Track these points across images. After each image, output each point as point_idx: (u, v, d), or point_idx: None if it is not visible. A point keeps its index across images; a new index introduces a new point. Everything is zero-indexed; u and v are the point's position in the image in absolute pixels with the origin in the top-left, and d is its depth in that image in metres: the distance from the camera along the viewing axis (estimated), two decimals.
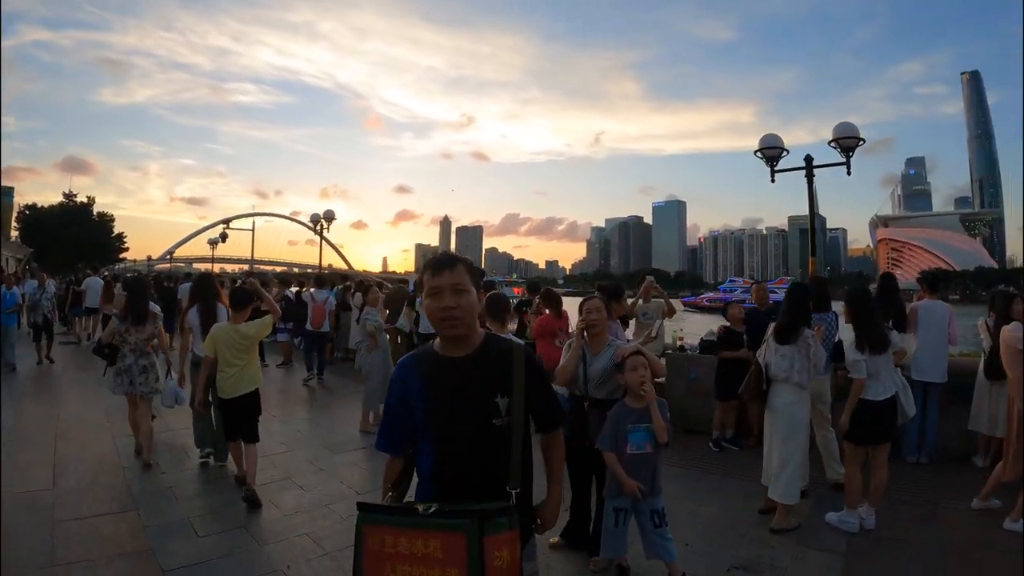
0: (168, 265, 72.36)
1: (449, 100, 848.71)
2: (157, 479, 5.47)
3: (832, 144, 8.80)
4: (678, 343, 8.04)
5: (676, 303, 9.10)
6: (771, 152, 9.17)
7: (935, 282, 6.49)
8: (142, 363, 5.90)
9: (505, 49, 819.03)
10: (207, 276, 7.66)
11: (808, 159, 8.82)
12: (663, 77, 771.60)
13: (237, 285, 9.48)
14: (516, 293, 20.64)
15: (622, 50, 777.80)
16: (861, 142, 8.77)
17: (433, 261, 2.02)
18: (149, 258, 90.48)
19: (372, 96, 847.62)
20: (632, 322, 7.84)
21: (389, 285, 14.84)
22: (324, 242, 20.56)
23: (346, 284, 13.17)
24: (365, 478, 5.62)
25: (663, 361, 6.40)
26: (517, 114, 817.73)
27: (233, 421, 5.14)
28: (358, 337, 8.05)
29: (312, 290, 11.58)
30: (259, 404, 5.25)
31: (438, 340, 2.07)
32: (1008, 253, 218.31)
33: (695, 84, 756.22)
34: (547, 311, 6.98)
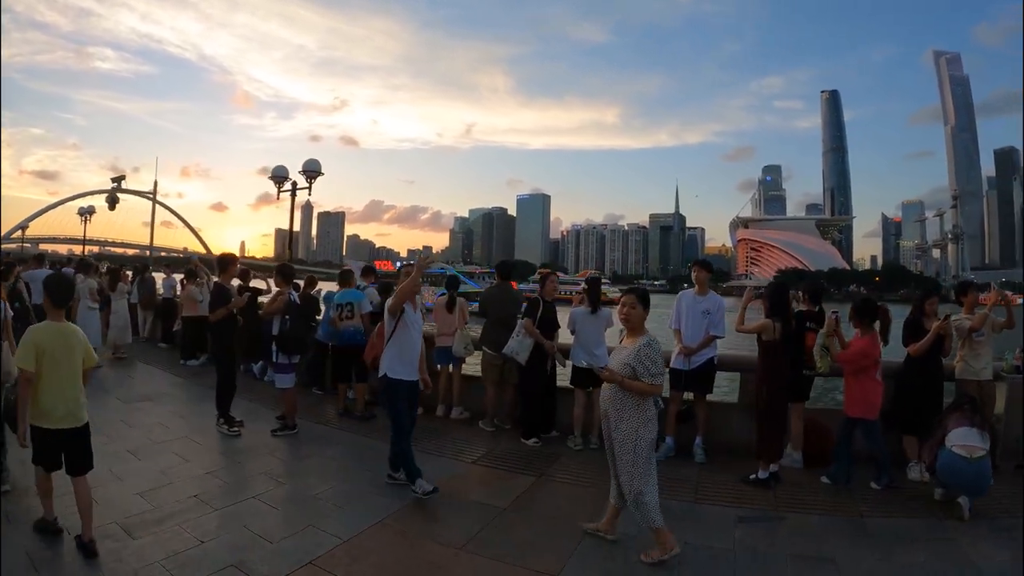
0: (18, 246, 65.72)
1: (317, 81, 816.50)
2: None
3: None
4: None
5: None
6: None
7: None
8: None
9: (379, 33, 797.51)
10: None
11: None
12: (534, 73, 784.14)
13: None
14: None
15: (496, 43, 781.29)
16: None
17: None
18: None
19: (238, 72, 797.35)
20: None
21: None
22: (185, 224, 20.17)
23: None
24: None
25: None
26: (385, 100, 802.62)
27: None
28: None
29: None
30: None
31: None
32: (855, 257, 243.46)
33: (565, 82, 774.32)
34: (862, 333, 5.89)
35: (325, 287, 10.56)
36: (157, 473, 5.32)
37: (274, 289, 7.45)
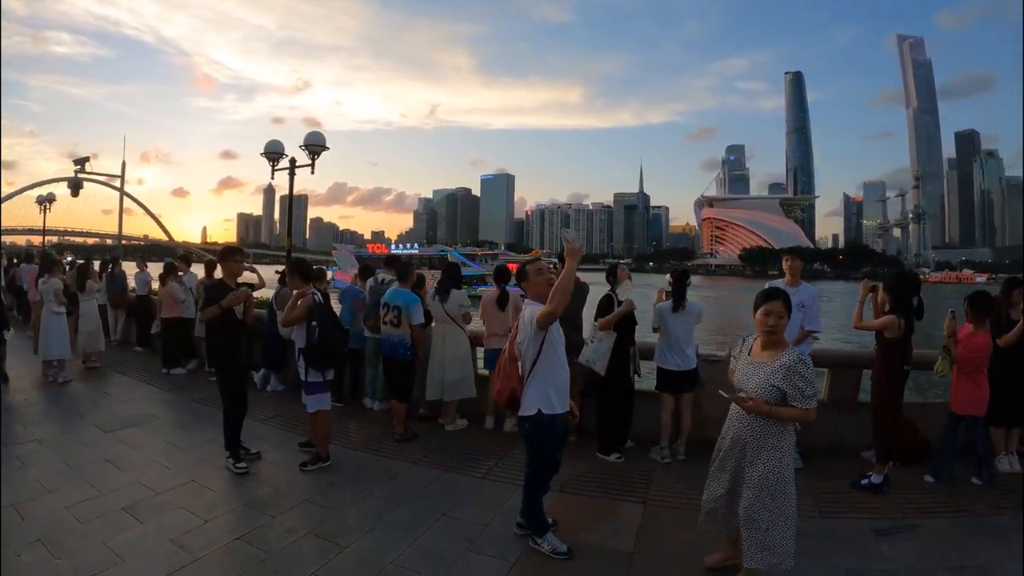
0: None
1: (278, 62, 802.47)
2: None
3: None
4: None
5: None
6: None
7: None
8: None
9: (339, 12, 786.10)
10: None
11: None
12: (496, 52, 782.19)
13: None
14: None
15: (457, 22, 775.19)
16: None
17: None
18: None
19: (197, 53, 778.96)
20: None
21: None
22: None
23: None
24: None
25: None
26: (348, 80, 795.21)
27: None
28: None
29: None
30: None
31: None
32: (817, 235, 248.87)
33: (527, 62, 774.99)
34: None
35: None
36: (169, 547, 3.92)
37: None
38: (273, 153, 10.08)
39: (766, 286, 3.81)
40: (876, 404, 5.30)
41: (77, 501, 4.57)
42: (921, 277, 6.48)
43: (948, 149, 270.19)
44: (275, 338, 8.19)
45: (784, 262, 6.11)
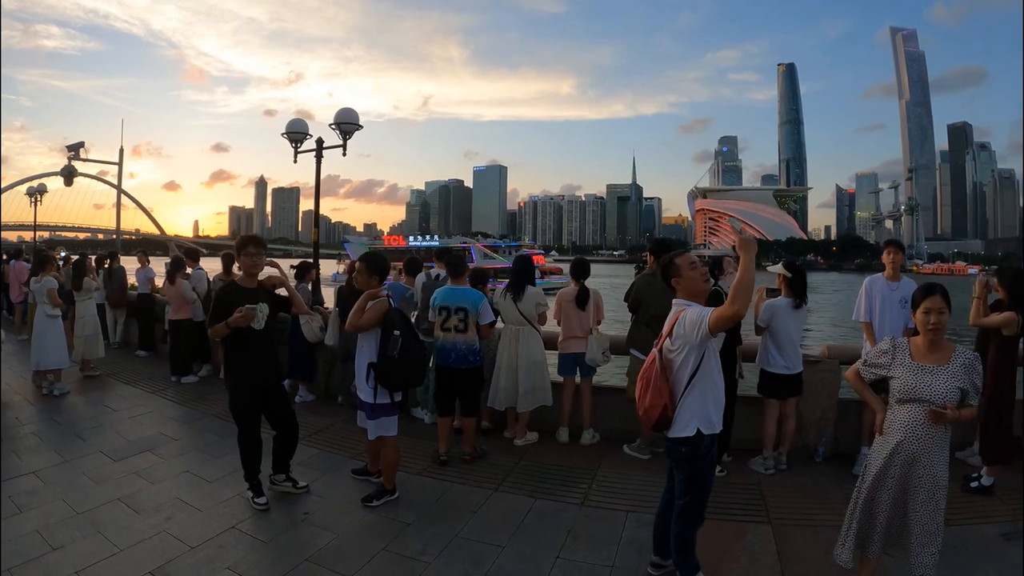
0: None
1: (269, 54, 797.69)
2: None
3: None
4: None
5: None
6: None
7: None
8: None
9: (330, 4, 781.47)
10: None
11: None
12: (488, 43, 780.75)
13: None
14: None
15: (449, 12, 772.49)
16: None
17: None
18: None
19: (187, 46, 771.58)
20: None
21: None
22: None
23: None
24: None
25: None
26: (339, 72, 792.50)
27: None
28: None
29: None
30: None
31: None
32: (809, 227, 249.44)
33: (519, 53, 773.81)
34: None
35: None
36: None
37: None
38: (297, 133, 8.95)
39: (924, 283, 3.39)
40: (990, 403, 4.83)
41: (91, 562, 3.57)
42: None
43: (940, 141, 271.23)
44: (300, 343, 7.22)
45: (885, 255, 5.60)
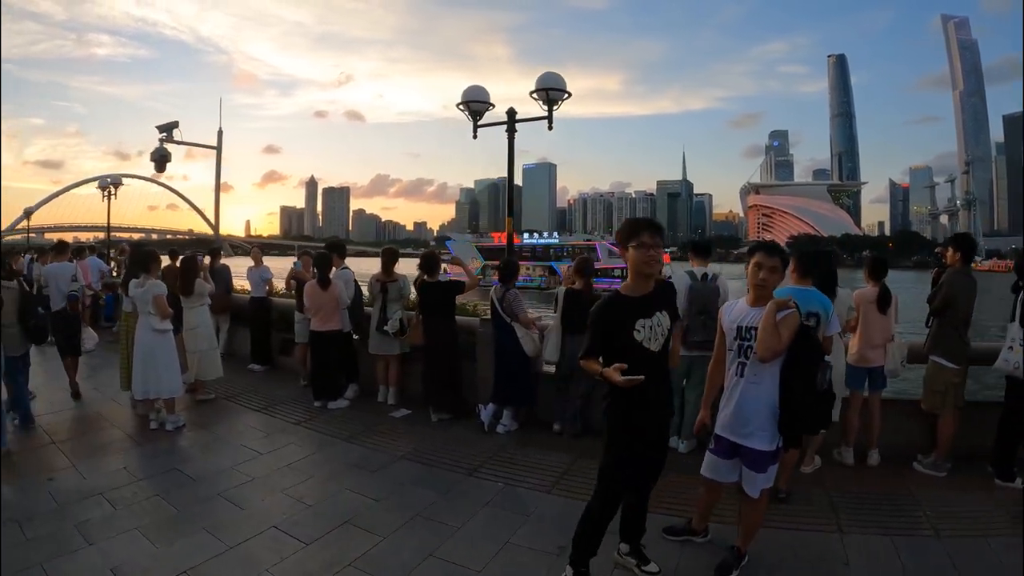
0: (23, 236, 61.61)
1: (317, 56, 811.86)
2: None
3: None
4: None
5: None
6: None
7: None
8: None
9: (376, 6, 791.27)
10: None
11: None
12: (534, 41, 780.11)
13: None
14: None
15: (493, 11, 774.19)
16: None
17: None
18: None
19: (235, 51, 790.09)
20: None
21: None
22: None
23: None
24: None
25: None
26: (386, 73, 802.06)
27: None
28: None
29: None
30: None
31: None
32: (863, 223, 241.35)
33: (565, 50, 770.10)
34: None
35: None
36: None
37: None
38: (477, 102, 7.18)
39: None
40: None
41: None
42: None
43: (996, 133, 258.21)
44: (513, 358, 5.63)
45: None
